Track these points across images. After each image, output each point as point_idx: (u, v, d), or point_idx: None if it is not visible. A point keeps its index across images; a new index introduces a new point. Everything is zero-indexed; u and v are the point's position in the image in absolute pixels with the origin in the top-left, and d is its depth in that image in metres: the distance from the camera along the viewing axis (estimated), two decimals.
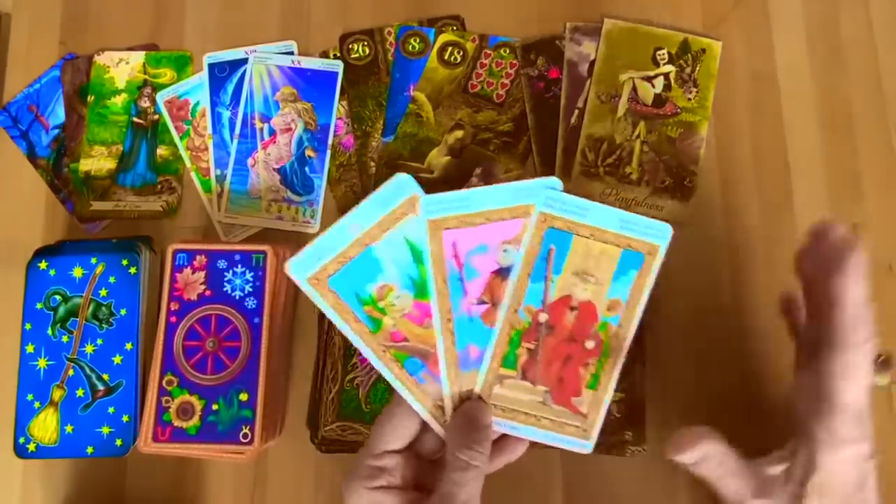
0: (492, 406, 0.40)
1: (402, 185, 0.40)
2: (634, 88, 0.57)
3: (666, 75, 0.57)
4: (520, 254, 0.40)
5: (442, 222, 0.40)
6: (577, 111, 0.57)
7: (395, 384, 0.40)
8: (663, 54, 0.57)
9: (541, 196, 0.40)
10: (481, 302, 0.40)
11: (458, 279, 0.40)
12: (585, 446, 0.41)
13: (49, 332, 0.52)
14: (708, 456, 0.42)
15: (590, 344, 0.41)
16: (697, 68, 0.57)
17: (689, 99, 0.57)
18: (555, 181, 0.40)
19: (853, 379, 0.40)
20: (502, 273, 0.40)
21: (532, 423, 0.41)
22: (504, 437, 0.41)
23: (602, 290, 0.40)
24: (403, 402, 0.40)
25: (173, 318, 0.50)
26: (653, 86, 0.57)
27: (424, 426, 0.41)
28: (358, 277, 0.40)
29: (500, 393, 0.40)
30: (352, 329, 0.40)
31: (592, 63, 0.57)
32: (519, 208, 0.40)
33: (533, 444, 0.42)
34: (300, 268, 0.40)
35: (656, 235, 0.40)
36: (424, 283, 0.40)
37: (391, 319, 0.40)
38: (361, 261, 0.40)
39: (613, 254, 0.40)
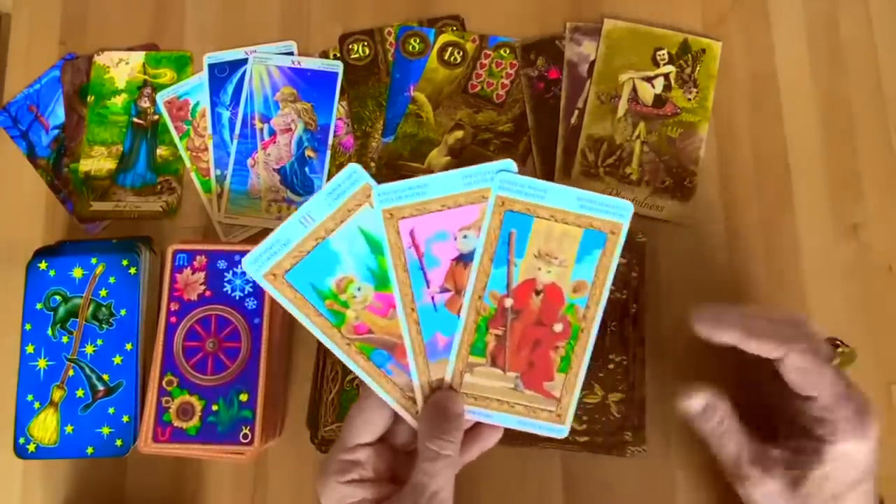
0: (463, 395, 0.40)
1: (353, 175, 0.40)
2: (634, 89, 0.57)
3: (666, 75, 0.57)
4: (480, 239, 0.40)
5: (398, 211, 0.40)
6: (577, 111, 0.57)
7: (363, 377, 0.40)
8: (663, 54, 0.57)
9: (496, 179, 0.39)
10: (444, 290, 0.40)
11: (418, 268, 0.40)
12: (560, 431, 0.40)
13: (49, 332, 0.52)
14: (712, 408, 0.43)
15: (558, 327, 0.40)
16: (697, 68, 0.57)
17: (689, 99, 0.57)
18: (509, 163, 0.40)
19: (809, 377, 0.41)
20: (463, 259, 0.40)
21: (505, 410, 0.40)
22: (478, 425, 0.41)
23: (566, 271, 0.40)
24: (373, 395, 0.40)
25: (173, 319, 0.50)
26: (653, 86, 0.57)
27: (397, 418, 0.41)
28: (316, 271, 0.40)
29: (471, 381, 0.40)
30: (313, 323, 0.40)
31: (592, 63, 0.57)
32: (475, 193, 0.40)
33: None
34: (255, 264, 0.40)
35: (617, 213, 0.40)
36: (384, 273, 0.40)
37: (353, 312, 0.40)
38: (318, 254, 0.40)
39: (575, 234, 0.40)
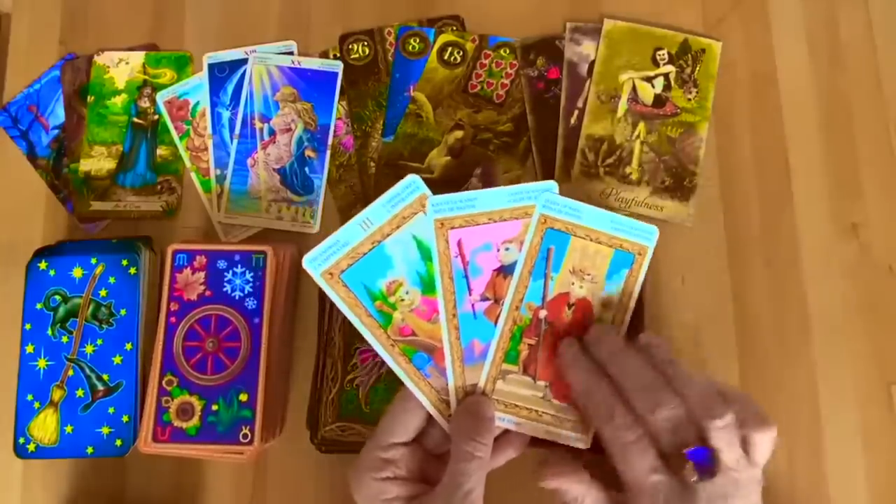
0: (494, 401, 0.41)
1: (412, 185, 0.42)
2: (634, 88, 0.57)
3: (666, 75, 0.57)
4: (522, 253, 0.42)
5: (448, 221, 0.42)
6: (577, 111, 0.57)
7: (403, 377, 0.41)
8: (663, 54, 0.57)
9: (540, 199, 0.42)
10: (484, 298, 0.42)
11: (462, 276, 0.42)
12: (583, 440, 0.41)
13: (49, 332, 0.52)
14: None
15: None
16: (697, 68, 0.57)
17: (689, 99, 0.57)
18: (552, 184, 0.42)
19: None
20: (504, 271, 0.42)
21: (534, 419, 0.41)
22: (506, 433, 0.42)
23: (597, 287, 0.42)
24: (411, 396, 0.41)
25: (173, 319, 0.50)
26: (653, 86, 0.57)
27: (430, 420, 0.42)
28: (369, 273, 0.42)
29: (503, 388, 0.41)
30: (363, 323, 0.42)
31: (592, 63, 0.57)
32: (519, 209, 0.42)
33: (534, 442, 0.42)
34: (315, 262, 0.41)
35: (644, 237, 0.42)
36: (432, 279, 0.42)
37: (400, 314, 0.42)
38: (373, 257, 0.42)
39: (606, 254, 0.42)
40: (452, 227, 0.42)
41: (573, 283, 0.42)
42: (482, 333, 0.42)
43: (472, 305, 0.42)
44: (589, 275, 0.42)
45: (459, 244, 0.42)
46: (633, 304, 0.42)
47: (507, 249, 0.42)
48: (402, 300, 0.42)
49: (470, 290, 0.42)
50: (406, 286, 0.42)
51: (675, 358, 0.39)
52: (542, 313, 0.42)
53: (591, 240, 0.42)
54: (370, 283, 0.42)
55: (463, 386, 0.41)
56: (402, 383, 0.41)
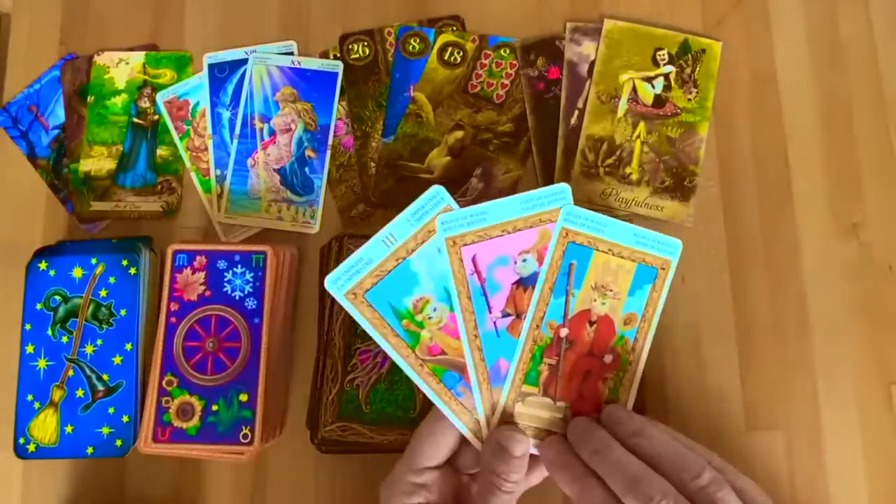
0: (526, 430, 0.40)
1: (436, 196, 0.40)
2: (634, 89, 0.57)
3: (666, 76, 0.57)
4: (543, 269, 0.40)
5: (461, 238, 0.40)
6: (577, 111, 0.57)
7: (434, 399, 0.40)
8: (663, 55, 0.57)
9: (562, 212, 0.40)
10: (505, 314, 0.40)
11: (481, 294, 0.40)
12: None
13: (49, 332, 0.52)
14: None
15: (608, 358, 0.41)
16: (697, 69, 0.57)
17: (689, 99, 0.57)
18: (565, 187, 0.40)
19: None
20: (523, 283, 0.41)
21: None
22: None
23: (619, 304, 0.41)
24: (443, 418, 0.40)
25: (173, 319, 0.50)
26: (653, 86, 0.57)
27: (463, 440, 0.40)
28: (395, 291, 0.40)
29: (523, 411, 0.40)
30: (390, 344, 0.40)
31: (592, 63, 0.57)
32: (533, 217, 0.40)
33: None
34: (337, 283, 0.40)
35: (667, 250, 0.41)
36: None
37: (428, 333, 0.40)
38: (398, 274, 0.40)
39: (629, 268, 0.41)
40: (465, 244, 0.40)
41: (595, 300, 0.40)
42: (507, 352, 0.40)
43: (494, 323, 0.40)
44: (611, 291, 0.41)
45: (474, 261, 0.40)
46: (656, 320, 0.41)
47: (524, 261, 0.40)
48: (430, 318, 0.40)
49: (490, 307, 0.40)
50: (433, 303, 0.40)
51: (641, 427, 0.38)
52: (564, 331, 0.40)
53: (614, 254, 0.40)
54: (396, 302, 0.40)
55: (492, 408, 0.40)
56: (432, 404, 0.40)
